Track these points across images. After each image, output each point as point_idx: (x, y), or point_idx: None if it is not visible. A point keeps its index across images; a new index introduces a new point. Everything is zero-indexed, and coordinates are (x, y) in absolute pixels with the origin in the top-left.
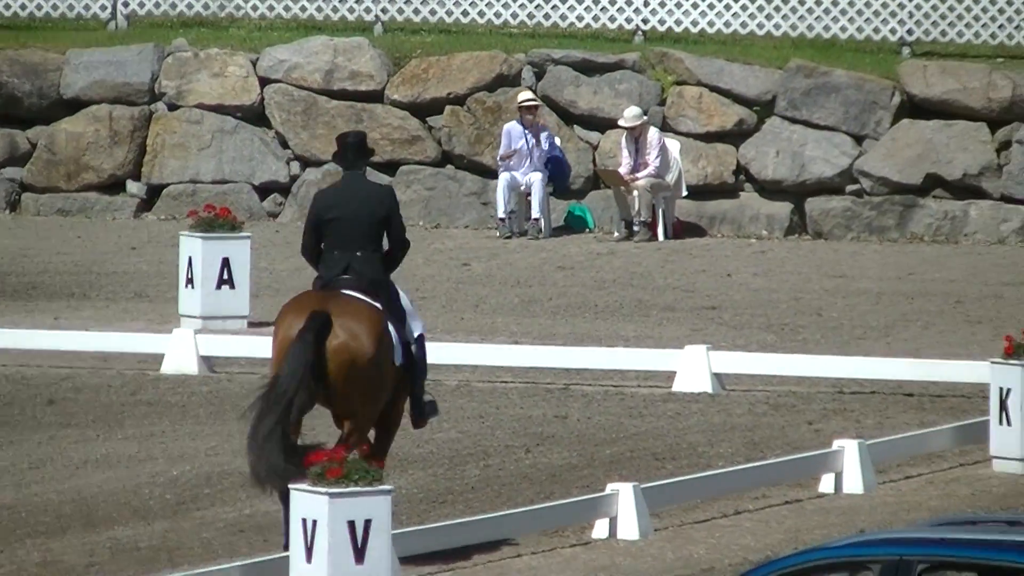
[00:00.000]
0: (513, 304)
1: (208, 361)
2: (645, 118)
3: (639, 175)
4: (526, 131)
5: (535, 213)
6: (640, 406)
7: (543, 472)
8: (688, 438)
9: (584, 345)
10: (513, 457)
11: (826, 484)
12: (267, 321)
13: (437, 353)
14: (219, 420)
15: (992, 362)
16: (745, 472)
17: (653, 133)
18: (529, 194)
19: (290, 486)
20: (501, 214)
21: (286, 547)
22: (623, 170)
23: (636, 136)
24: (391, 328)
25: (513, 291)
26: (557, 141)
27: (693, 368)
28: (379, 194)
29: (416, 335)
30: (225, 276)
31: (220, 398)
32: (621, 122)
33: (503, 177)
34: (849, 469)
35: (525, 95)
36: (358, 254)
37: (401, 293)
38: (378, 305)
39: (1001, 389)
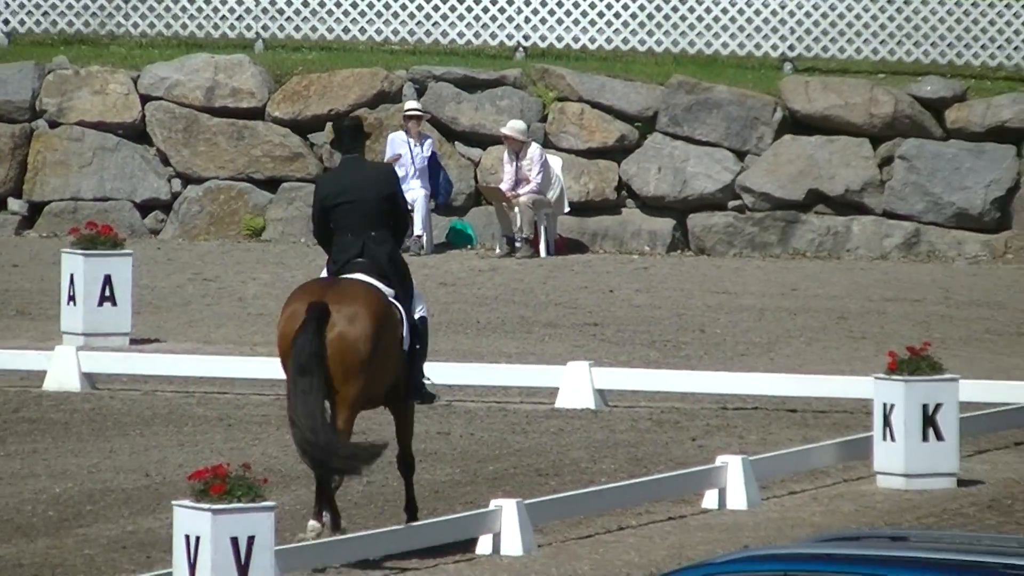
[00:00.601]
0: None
1: (90, 378)
2: (527, 133)
3: (521, 192)
4: (410, 140)
5: (417, 229)
6: (523, 422)
7: (426, 489)
8: (571, 454)
9: (467, 361)
10: (396, 474)
11: (710, 500)
12: (149, 338)
13: None
14: (101, 437)
15: (875, 378)
16: (628, 488)
17: (535, 149)
18: (411, 210)
19: (173, 503)
20: (419, 230)
21: (318, 515)
22: (505, 186)
23: (517, 152)
24: (401, 309)
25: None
26: (438, 150)
27: (576, 384)
28: (380, 173)
29: (418, 316)
30: (107, 293)
31: (103, 415)
32: (504, 130)
33: (421, 196)
34: (733, 485)
35: (411, 104)
36: (372, 234)
37: (409, 272)
38: (381, 287)
39: (884, 405)
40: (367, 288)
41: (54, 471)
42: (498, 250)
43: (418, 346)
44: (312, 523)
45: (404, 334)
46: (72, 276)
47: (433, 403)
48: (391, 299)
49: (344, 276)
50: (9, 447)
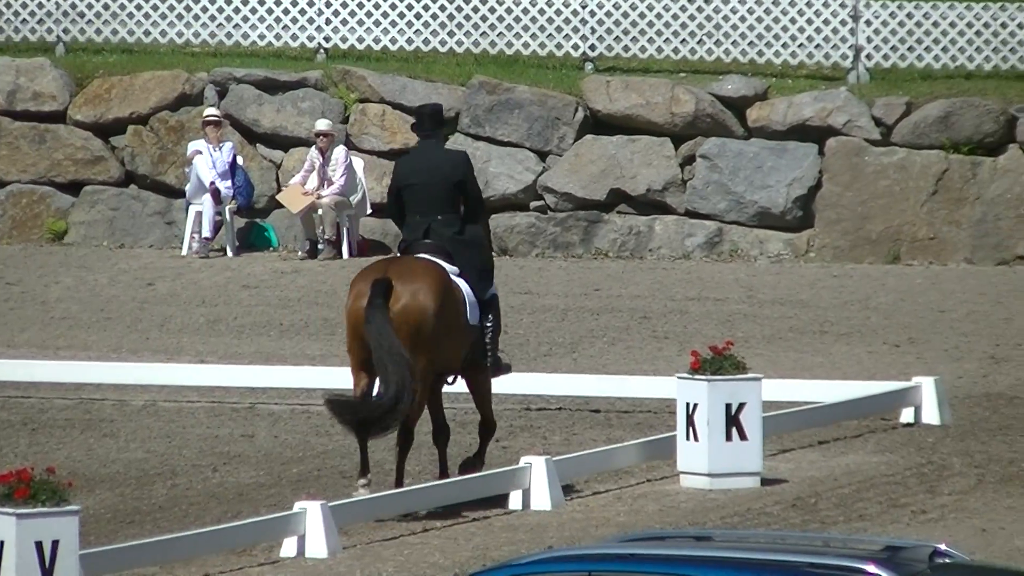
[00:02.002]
0: (198, 324)
1: None
2: (334, 132)
3: (324, 193)
4: (209, 146)
5: (207, 233)
6: (327, 424)
7: (231, 491)
8: (375, 456)
9: (270, 364)
10: (200, 476)
11: (514, 501)
12: None
13: (122, 374)
14: None
15: (678, 377)
16: (433, 489)
17: (340, 151)
18: (221, 214)
19: None
20: (207, 233)
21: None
22: (310, 186)
23: (323, 150)
24: (464, 287)
25: (198, 310)
26: (240, 160)
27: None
28: (453, 160)
29: (489, 294)
30: None
31: None
32: (319, 125)
33: (207, 197)
34: (537, 486)
35: (210, 110)
36: (438, 217)
37: (486, 253)
38: (443, 264)
39: (687, 404)
40: (429, 264)
41: None
42: (300, 252)
43: (490, 323)
44: (361, 480)
45: (469, 311)
46: None
47: (509, 373)
48: (454, 276)
49: (408, 255)
50: None
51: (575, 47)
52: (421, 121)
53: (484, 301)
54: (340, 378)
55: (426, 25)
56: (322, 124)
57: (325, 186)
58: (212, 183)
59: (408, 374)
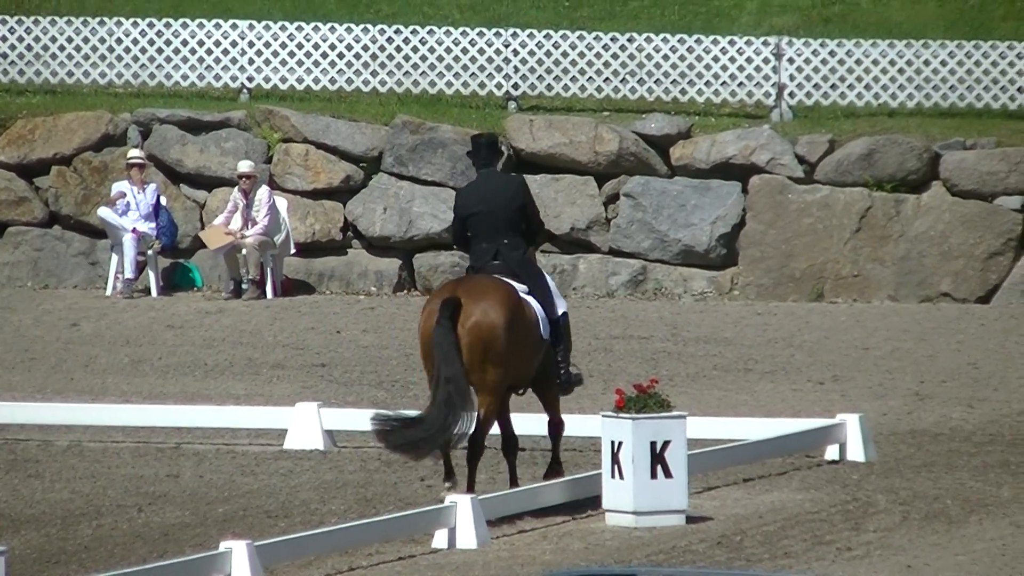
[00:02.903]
0: (123, 364)
1: None
2: (256, 173)
3: (248, 233)
4: (133, 188)
5: (129, 273)
6: (252, 464)
7: (156, 531)
8: (301, 495)
9: (195, 404)
10: (126, 516)
11: (440, 540)
12: None
13: (47, 414)
14: None
15: (603, 415)
16: (358, 528)
17: (263, 191)
18: (144, 255)
19: None
20: (130, 274)
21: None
22: (234, 226)
23: (246, 191)
24: (534, 304)
25: (123, 351)
26: (164, 200)
27: (304, 425)
28: (513, 186)
29: (560, 312)
30: None
31: None
32: (242, 167)
33: (129, 238)
34: (462, 524)
35: (133, 152)
36: (505, 242)
37: (546, 275)
38: (513, 283)
39: (612, 442)
40: (498, 282)
41: None
42: (224, 292)
43: (560, 344)
44: (447, 483)
45: (541, 328)
46: None
47: (581, 384)
48: (523, 295)
49: (477, 275)
50: None
51: (498, 86)
52: (478, 151)
53: (554, 320)
54: (266, 417)
55: (349, 65)
56: (244, 166)
57: (249, 226)
58: (133, 228)
59: (462, 400)
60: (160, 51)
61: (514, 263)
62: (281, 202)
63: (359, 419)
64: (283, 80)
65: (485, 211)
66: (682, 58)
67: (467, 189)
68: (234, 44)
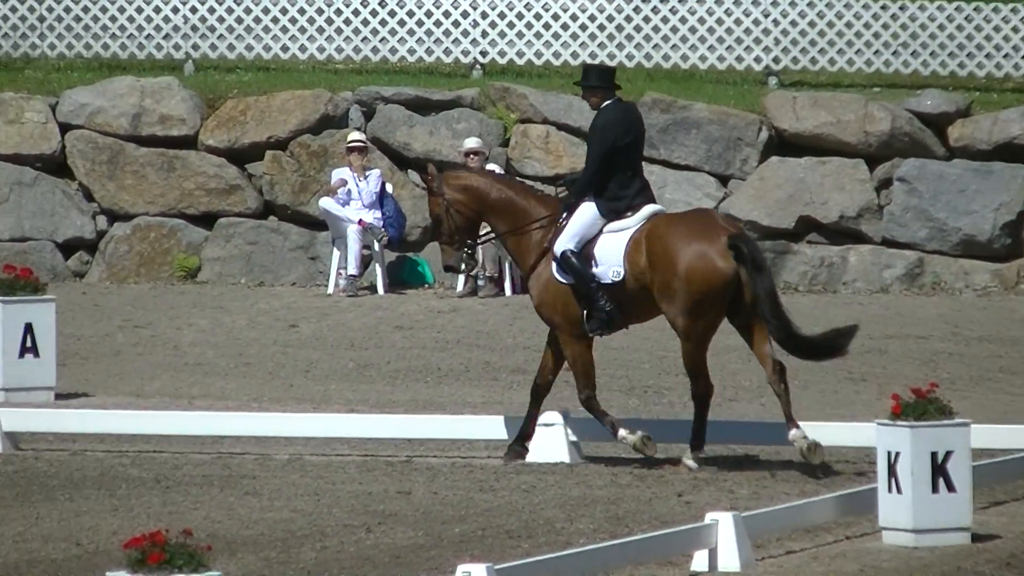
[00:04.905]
0: (347, 369)
1: (12, 438)
2: (485, 150)
3: None
4: (354, 175)
5: (353, 269)
6: (491, 479)
7: (386, 553)
8: (545, 513)
9: (427, 413)
10: (353, 537)
11: (699, 561)
12: (76, 392)
13: (264, 425)
14: (26, 503)
15: (878, 423)
16: (609, 549)
17: (495, 171)
18: (371, 248)
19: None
20: (354, 270)
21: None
22: None
23: None
24: None
25: (347, 354)
26: (390, 188)
27: (547, 435)
28: (641, 119)
29: None
30: (28, 344)
31: (26, 479)
32: (468, 143)
33: (353, 231)
34: (724, 544)
35: (354, 135)
36: (644, 177)
37: None
38: None
39: (889, 453)
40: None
41: None
42: (459, 289)
43: None
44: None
45: None
46: None
47: None
48: None
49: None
50: None
51: (757, 60)
52: (606, 78)
53: None
54: (501, 427)
55: (592, 37)
56: (471, 142)
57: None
58: (359, 220)
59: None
60: (384, 23)
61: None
62: None
63: (605, 429)
64: (520, 55)
65: (632, 143)
66: (960, 28)
67: (618, 117)
68: (465, 15)
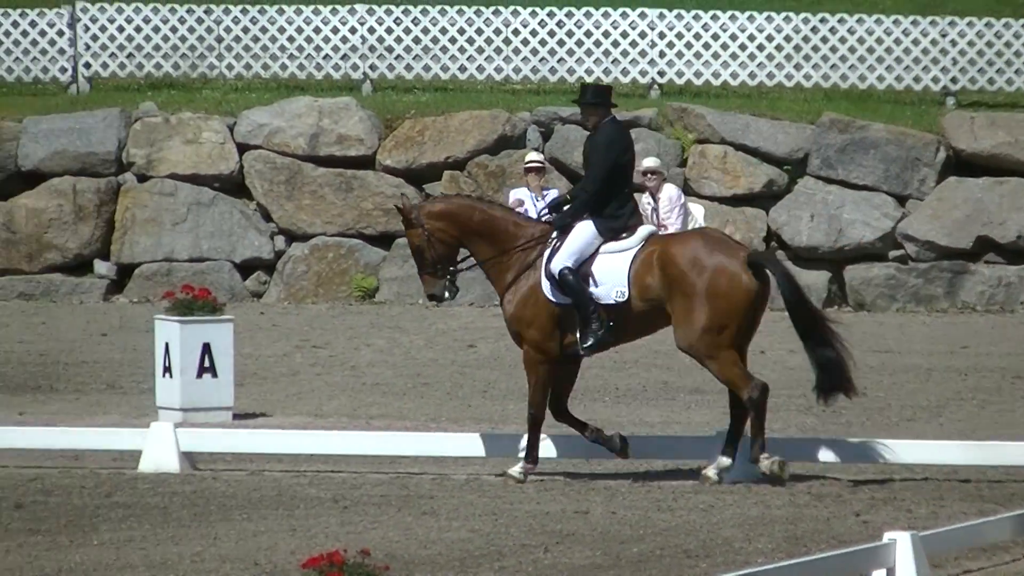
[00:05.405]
0: (525, 389)
1: (190, 457)
2: (663, 170)
3: None
4: (533, 196)
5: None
6: (669, 498)
7: (563, 573)
8: (723, 533)
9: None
10: (530, 557)
11: None
12: (254, 412)
13: (442, 445)
14: (204, 523)
15: None
16: (787, 569)
17: (671, 190)
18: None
19: None
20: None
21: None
22: None
23: (653, 191)
24: None
25: (523, 374)
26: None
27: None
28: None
29: None
30: (206, 364)
31: (205, 498)
32: (646, 162)
33: None
34: (902, 564)
35: (532, 155)
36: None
37: None
38: None
39: None
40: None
41: (152, 561)
42: None
43: None
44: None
45: None
46: (167, 345)
47: None
48: None
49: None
50: (103, 535)
51: (935, 80)
52: (604, 95)
53: None
54: (687, 446)
55: (770, 58)
56: (649, 161)
57: (659, 232)
58: None
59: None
60: (561, 43)
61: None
62: (697, 208)
63: (788, 449)
64: (697, 75)
65: (629, 162)
66: None
67: (618, 135)
68: (643, 35)
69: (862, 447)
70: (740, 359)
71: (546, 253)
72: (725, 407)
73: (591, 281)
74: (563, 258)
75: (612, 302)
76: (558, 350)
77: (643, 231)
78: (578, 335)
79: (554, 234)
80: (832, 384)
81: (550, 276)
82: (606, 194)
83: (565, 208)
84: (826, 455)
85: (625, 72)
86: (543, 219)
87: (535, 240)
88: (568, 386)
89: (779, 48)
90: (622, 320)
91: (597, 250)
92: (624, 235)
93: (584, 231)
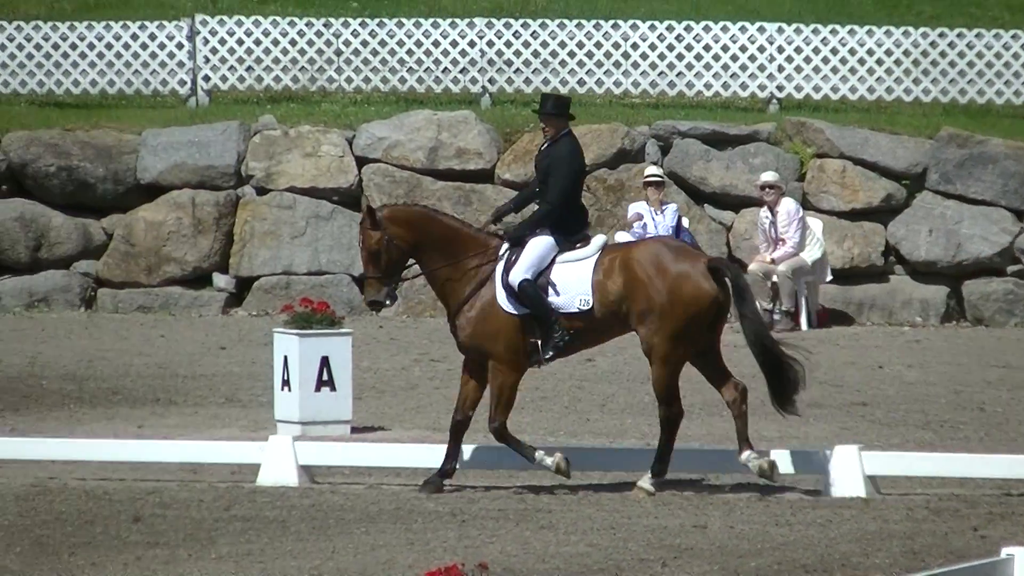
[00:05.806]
0: (643, 403)
1: (309, 471)
2: (781, 184)
3: (777, 256)
4: (651, 209)
5: None
6: (787, 513)
7: None
8: (840, 547)
9: (722, 445)
10: (648, 572)
11: None
12: (372, 426)
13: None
14: (322, 536)
15: None
16: None
17: (789, 204)
18: None
19: None
20: None
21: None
22: (762, 250)
23: (771, 205)
24: None
25: (643, 388)
26: (686, 222)
27: (844, 470)
28: None
29: None
30: (325, 377)
31: (323, 512)
32: (765, 176)
33: None
34: None
35: (651, 169)
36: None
37: None
38: None
39: None
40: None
41: (271, 575)
42: None
43: None
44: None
45: None
46: (286, 359)
47: None
48: None
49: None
50: (221, 548)
51: None
52: (564, 107)
53: None
54: (801, 461)
55: (888, 72)
56: (768, 176)
57: (776, 247)
58: None
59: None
60: (680, 57)
61: None
62: (816, 223)
63: (905, 463)
64: (816, 89)
65: (584, 173)
66: None
67: (577, 148)
68: (762, 50)
69: (980, 462)
70: (712, 364)
71: (499, 266)
72: (844, 422)
73: (551, 291)
74: (522, 270)
75: (575, 310)
76: (527, 361)
77: (598, 240)
78: (540, 344)
79: (504, 246)
80: (784, 393)
81: (508, 287)
82: (567, 206)
83: (523, 221)
84: (944, 469)
85: (744, 86)
86: (494, 231)
87: (488, 252)
88: (480, 393)
89: (898, 63)
90: (586, 328)
91: (553, 260)
92: (579, 244)
93: (541, 242)
